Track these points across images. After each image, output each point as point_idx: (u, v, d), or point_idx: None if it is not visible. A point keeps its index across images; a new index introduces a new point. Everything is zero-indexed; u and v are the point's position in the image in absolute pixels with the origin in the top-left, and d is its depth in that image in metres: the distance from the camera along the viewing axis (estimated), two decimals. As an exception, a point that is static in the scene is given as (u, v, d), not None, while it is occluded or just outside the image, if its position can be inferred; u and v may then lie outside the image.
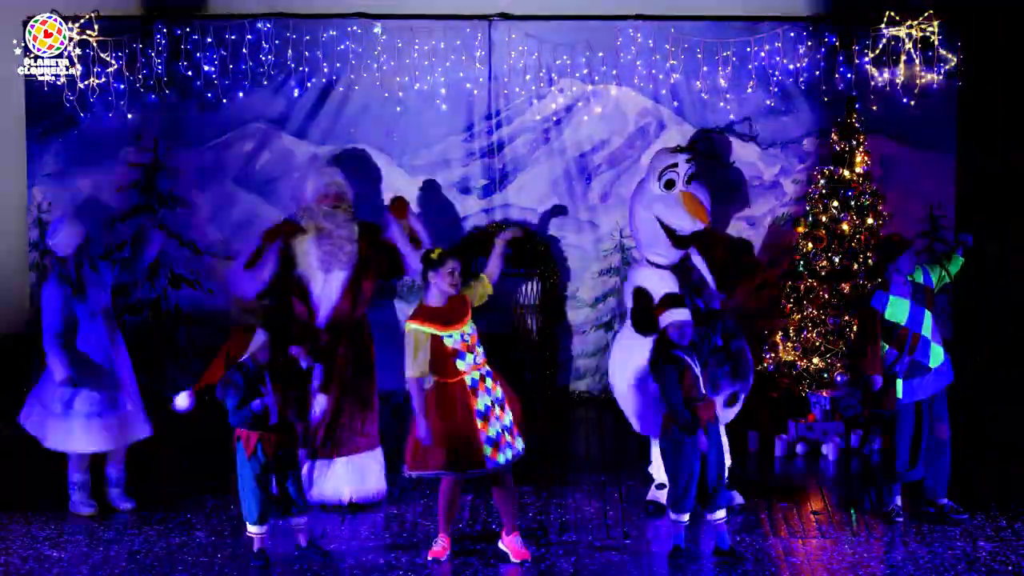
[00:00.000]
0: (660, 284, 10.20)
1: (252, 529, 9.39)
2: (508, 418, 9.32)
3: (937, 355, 9.97)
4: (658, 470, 10.47)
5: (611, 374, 10.55)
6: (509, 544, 9.48)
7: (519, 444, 9.35)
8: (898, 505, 10.12)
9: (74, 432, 10.20)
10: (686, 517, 9.46)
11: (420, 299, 9.34)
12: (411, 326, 9.19)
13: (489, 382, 9.28)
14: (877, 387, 9.89)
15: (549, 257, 12.43)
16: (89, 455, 10.30)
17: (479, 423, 9.19)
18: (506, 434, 9.27)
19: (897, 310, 9.91)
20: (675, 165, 10.44)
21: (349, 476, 10.32)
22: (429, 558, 9.43)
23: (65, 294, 10.09)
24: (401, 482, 10.52)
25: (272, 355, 9.35)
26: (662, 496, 10.34)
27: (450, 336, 9.19)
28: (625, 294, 10.53)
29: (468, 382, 9.23)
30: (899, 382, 9.94)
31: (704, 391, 9.44)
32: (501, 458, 9.22)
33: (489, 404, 9.24)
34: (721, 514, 9.44)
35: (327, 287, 10.24)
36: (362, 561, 9.49)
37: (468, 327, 9.27)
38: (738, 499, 10.30)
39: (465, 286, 9.39)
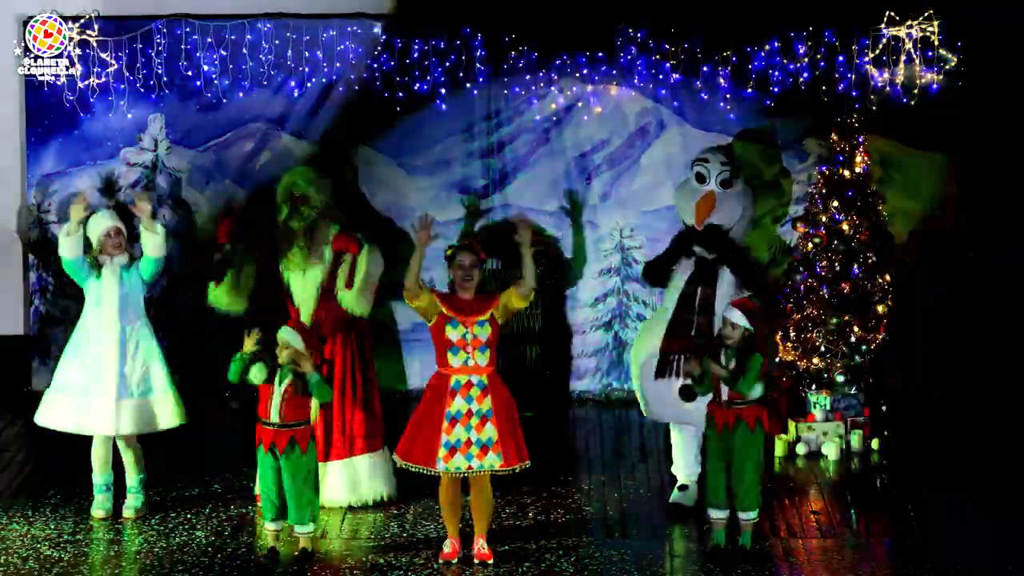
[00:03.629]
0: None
1: (267, 525, 9.49)
2: (489, 435, 9.21)
3: None
4: (681, 471, 10.44)
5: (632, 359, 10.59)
6: (474, 545, 9.48)
7: (489, 461, 9.20)
8: None
9: None
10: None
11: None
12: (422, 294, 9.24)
13: (476, 391, 9.21)
14: None
15: (551, 256, 12.42)
16: None
17: (444, 424, 9.18)
18: (473, 447, 9.20)
19: None
20: (707, 160, 10.47)
21: (348, 478, 10.30)
22: (440, 560, 9.43)
23: None
24: (406, 481, 10.53)
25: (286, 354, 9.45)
26: (684, 498, 10.30)
27: (454, 325, 9.21)
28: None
29: (451, 382, 9.23)
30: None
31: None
32: (452, 465, 9.18)
33: (463, 411, 9.18)
34: (754, 515, 9.44)
35: (305, 287, 10.23)
36: (362, 561, 9.49)
37: (479, 329, 9.26)
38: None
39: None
